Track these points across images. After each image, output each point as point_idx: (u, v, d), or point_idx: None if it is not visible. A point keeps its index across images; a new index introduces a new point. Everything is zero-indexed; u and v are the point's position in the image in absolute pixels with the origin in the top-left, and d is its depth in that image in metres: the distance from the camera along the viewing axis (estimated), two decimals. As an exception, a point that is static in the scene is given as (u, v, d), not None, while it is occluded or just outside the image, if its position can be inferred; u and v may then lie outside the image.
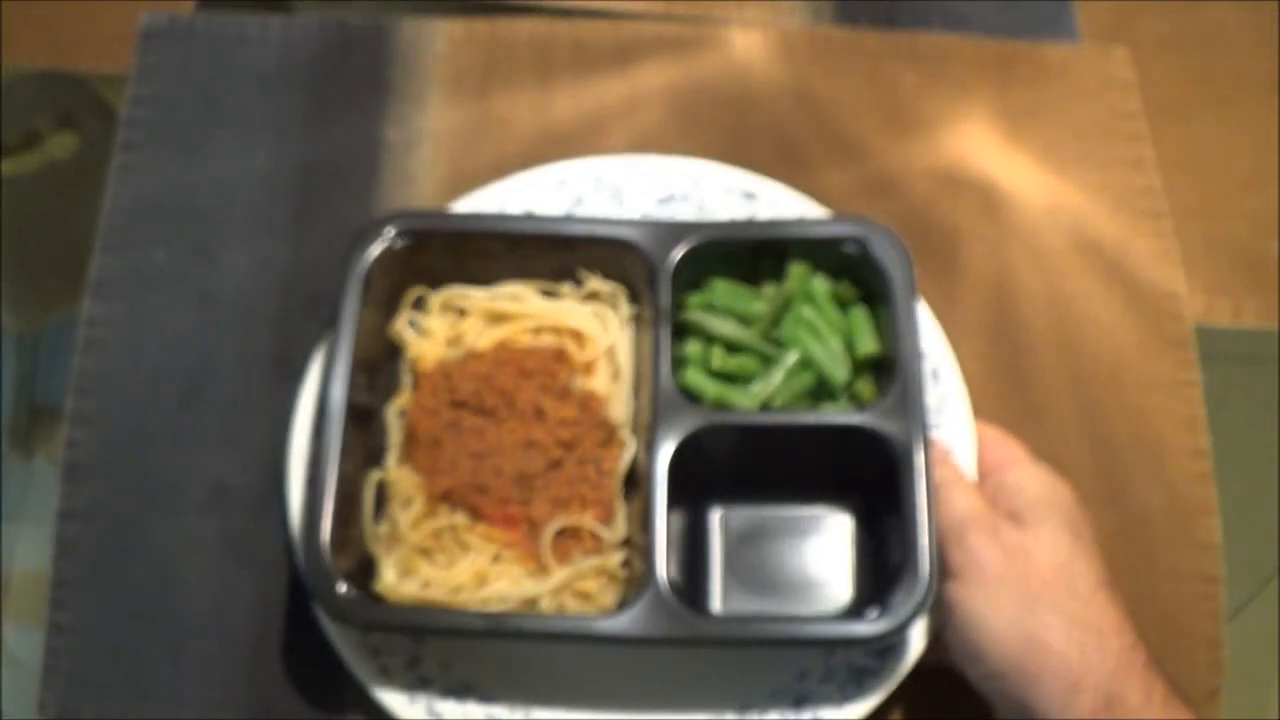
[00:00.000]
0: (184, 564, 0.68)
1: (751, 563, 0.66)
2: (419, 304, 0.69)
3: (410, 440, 0.65)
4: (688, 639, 0.59)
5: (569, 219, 0.70)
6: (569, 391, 0.66)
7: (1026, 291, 0.77)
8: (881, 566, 0.65)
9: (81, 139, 0.82)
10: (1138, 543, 0.71)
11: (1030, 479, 0.62)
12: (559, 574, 0.62)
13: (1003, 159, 0.80)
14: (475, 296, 0.69)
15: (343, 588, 0.59)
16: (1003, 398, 0.74)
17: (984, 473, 0.65)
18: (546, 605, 0.62)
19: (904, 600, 0.59)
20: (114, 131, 0.78)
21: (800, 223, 0.70)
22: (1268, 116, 0.84)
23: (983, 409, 0.72)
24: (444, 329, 0.69)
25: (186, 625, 0.67)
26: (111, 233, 0.75)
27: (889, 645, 0.63)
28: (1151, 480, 0.72)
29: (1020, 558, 0.59)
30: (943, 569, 0.60)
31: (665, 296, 0.65)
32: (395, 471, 0.65)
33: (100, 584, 0.68)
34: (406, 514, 0.63)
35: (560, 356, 0.67)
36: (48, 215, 0.81)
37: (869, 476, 0.64)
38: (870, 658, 0.64)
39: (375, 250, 0.65)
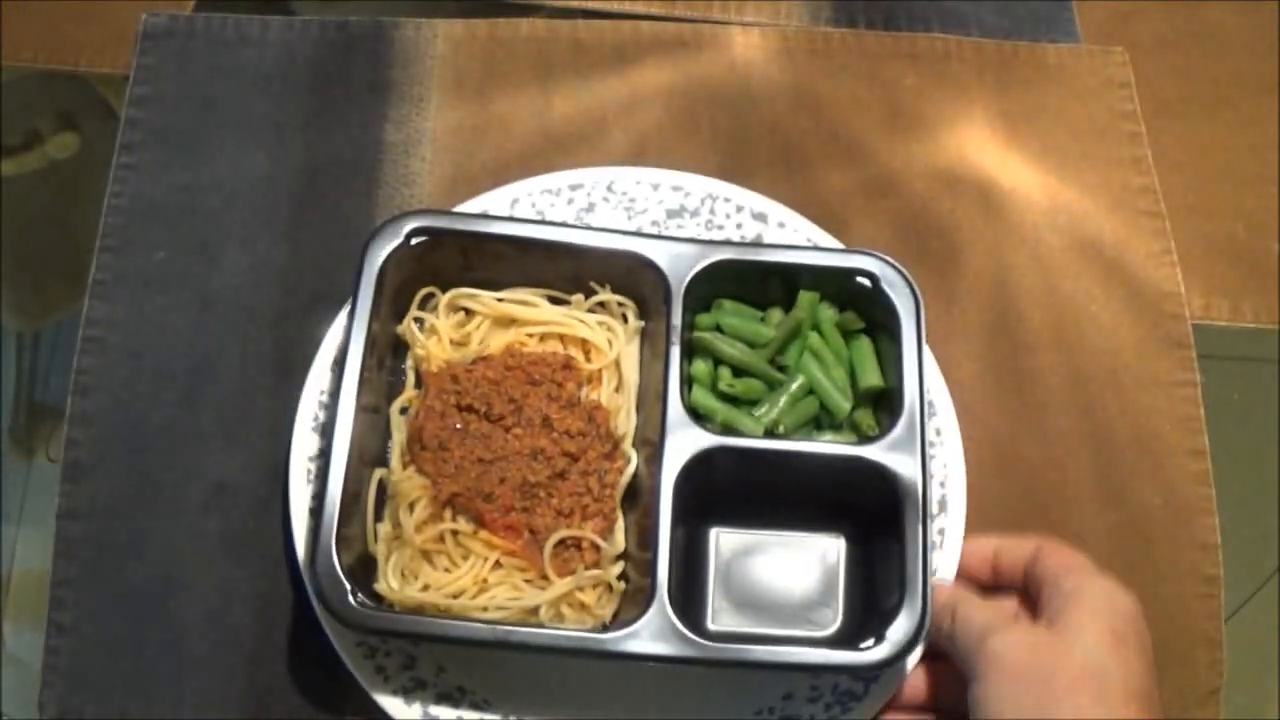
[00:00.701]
0: (184, 564, 0.68)
1: (742, 582, 0.67)
2: (425, 302, 0.70)
3: (415, 442, 0.65)
4: (697, 660, 0.59)
5: (588, 229, 0.69)
6: (576, 402, 0.66)
7: (1026, 291, 0.77)
8: (870, 593, 0.65)
9: (81, 139, 0.82)
10: (1137, 542, 0.71)
11: (1088, 584, 0.58)
12: (559, 585, 0.62)
13: (1002, 159, 0.80)
14: (484, 298, 0.69)
15: (349, 595, 0.59)
16: (1002, 397, 0.74)
17: (1042, 579, 0.60)
18: (545, 614, 0.62)
19: (901, 629, 0.59)
20: (114, 131, 0.78)
21: (815, 251, 0.70)
22: (1267, 116, 0.84)
23: (982, 409, 0.73)
24: (450, 329, 0.69)
25: (186, 625, 0.67)
26: (111, 233, 0.75)
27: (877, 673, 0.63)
28: (1150, 480, 0.72)
29: (1048, 657, 0.55)
30: (967, 674, 0.58)
31: (679, 315, 0.65)
32: (401, 473, 0.65)
33: (100, 584, 0.68)
34: (411, 517, 0.63)
35: (568, 365, 0.67)
36: (48, 215, 0.81)
37: (863, 505, 0.65)
38: (856, 681, 0.64)
39: (390, 248, 0.66)
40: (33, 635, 0.68)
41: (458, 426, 0.65)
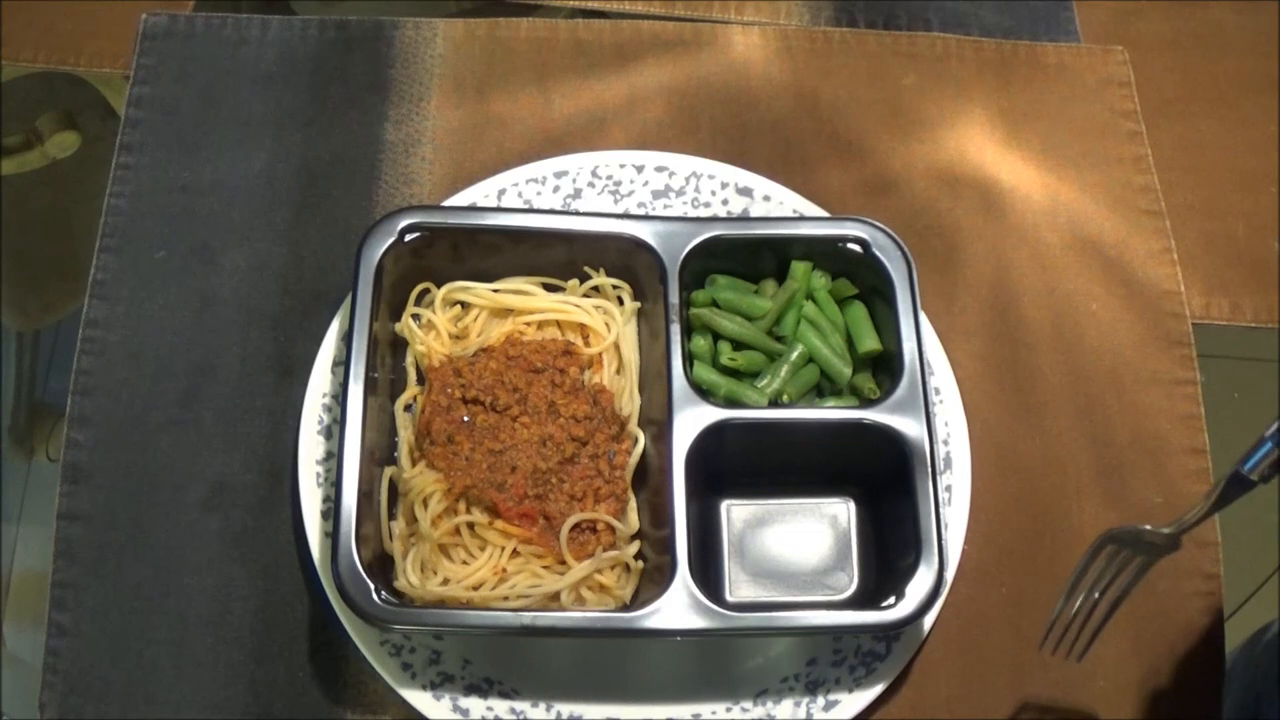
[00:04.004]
0: (184, 563, 0.68)
1: (757, 552, 0.68)
2: (420, 299, 0.70)
3: (424, 437, 0.65)
4: (722, 631, 0.60)
5: (578, 214, 0.70)
6: (580, 387, 0.67)
7: (1026, 290, 0.77)
8: (883, 554, 0.66)
9: (82, 139, 0.82)
10: (1137, 541, 0.71)
11: None
12: (579, 569, 0.63)
13: (1002, 158, 0.81)
14: (479, 290, 0.69)
15: (373, 593, 0.59)
16: (1002, 397, 0.74)
17: None
18: (566, 599, 0.62)
19: (921, 585, 0.61)
20: (114, 131, 0.78)
21: (806, 221, 0.72)
22: (1267, 116, 0.84)
23: (982, 408, 0.72)
24: (447, 324, 0.69)
25: (187, 625, 0.67)
26: (111, 232, 0.75)
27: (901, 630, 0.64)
28: (1150, 478, 0.72)
29: None
30: None
31: (677, 293, 0.66)
32: (412, 470, 0.65)
33: (100, 584, 0.68)
34: (426, 512, 0.63)
35: (568, 351, 0.67)
36: (48, 215, 0.81)
37: (869, 468, 0.66)
38: (877, 642, 0.65)
39: (385, 246, 0.66)
40: (33, 635, 0.68)
41: (465, 419, 0.65)
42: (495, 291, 0.69)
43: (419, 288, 0.69)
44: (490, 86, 0.81)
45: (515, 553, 0.64)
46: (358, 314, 0.64)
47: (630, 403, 0.67)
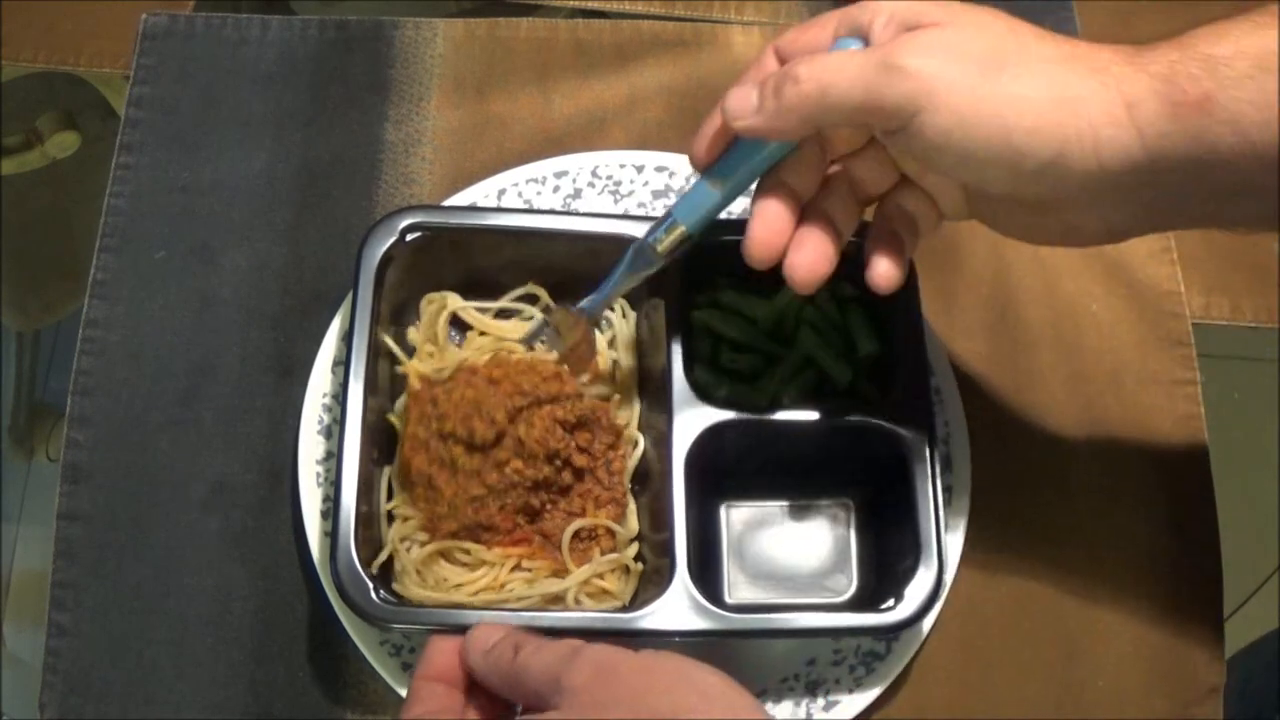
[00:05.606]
0: (184, 564, 0.68)
1: (756, 554, 0.68)
2: (415, 309, 0.69)
3: (405, 472, 0.64)
4: (721, 632, 0.60)
5: (579, 215, 0.70)
6: (573, 420, 0.64)
7: (1026, 290, 0.77)
8: (883, 555, 0.67)
9: (82, 139, 0.82)
10: (1136, 541, 0.71)
11: None
12: (578, 573, 0.63)
13: (1002, 158, 0.80)
14: (474, 315, 0.69)
15: (372, 592, 0.59)
16: (1002, 397, 0.74)
17: None
18: (566, 601, 0.62)
19: (921, 587, 0.61)
20: (114, 131, 0.78)
21: None
22: (1267, 116, 0.84)
23: (982, 408, 0.72)
24: (426, 337, 0.68)
25: (187, 625, 0.67)
26: (111, 233, 0.75)
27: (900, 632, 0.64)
28: (1151, 478, 0.72)
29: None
30: None
31: (676, 295, 0.66)
32: (400, 506, 0.64)
33: (100, 584, 0.68)
34: (410, 556, 0.63)
35: (558, 375, 0.65)
36: (48, 215, 0.81)
37: (870, 469, 0.66)
38: (877, 642, 0.65)
39: (387, 245, 0.66)
40: (33, 635, 0.68)
41: (441, 459, 0.63)
42: (483, 310, 0.69)
43: (416, 295, 0.69)
44: (490, 86, 0.80)
45: (517, 567, 0.63)
46: (358, 314, 0.64)
47: (630, 407, 0.67)
